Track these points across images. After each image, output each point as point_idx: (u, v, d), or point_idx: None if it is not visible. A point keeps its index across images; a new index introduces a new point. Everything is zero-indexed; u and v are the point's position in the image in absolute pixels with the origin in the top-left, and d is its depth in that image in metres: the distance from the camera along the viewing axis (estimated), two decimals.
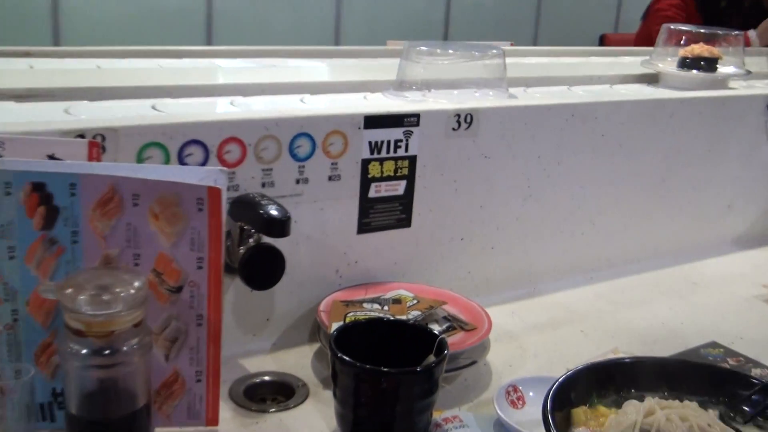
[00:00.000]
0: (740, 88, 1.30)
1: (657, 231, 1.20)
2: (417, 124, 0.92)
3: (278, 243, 0.79)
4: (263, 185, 0.83)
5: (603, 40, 3.97)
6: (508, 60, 1.45)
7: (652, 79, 1.33)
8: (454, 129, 0.95)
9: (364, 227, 0.92)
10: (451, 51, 1.03)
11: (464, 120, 0.95)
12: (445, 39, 3.55)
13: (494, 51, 1.03)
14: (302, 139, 0.85)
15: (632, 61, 1.42)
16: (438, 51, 1.02)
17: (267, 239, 0.79)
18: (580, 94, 1.15)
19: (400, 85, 1.02)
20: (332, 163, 0.87)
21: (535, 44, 3.87)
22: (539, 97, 1.08)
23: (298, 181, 0.86)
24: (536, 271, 1.08)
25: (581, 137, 1.06)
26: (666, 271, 1.18)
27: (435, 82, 1.01)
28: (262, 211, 0.76)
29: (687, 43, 1.36)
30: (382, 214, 0.92)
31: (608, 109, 1.07)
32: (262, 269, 0.79)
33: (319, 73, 1.14)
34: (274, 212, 0.76)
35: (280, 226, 0.76)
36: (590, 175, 1.09)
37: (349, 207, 0.90)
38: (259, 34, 2.90)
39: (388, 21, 3.29)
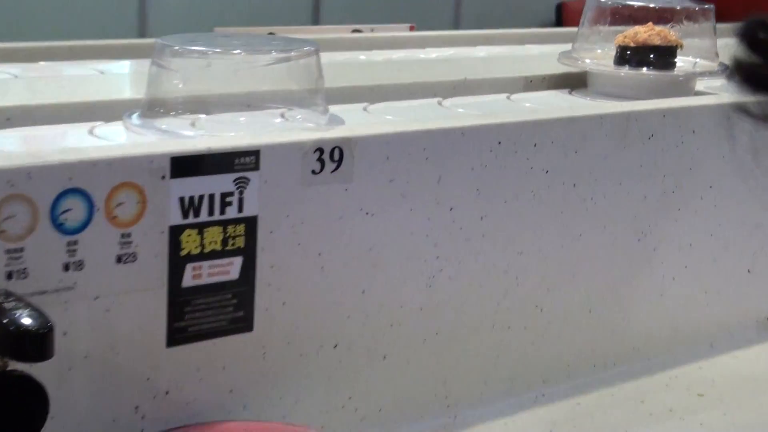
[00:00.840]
0: (719, 93, 1.39)
1: (638, 317, 1.27)
2: (255, 167, 0.95)
3: (36, 370, 0.80)
4: (9, 276, 0.84)
5: (561, 12, 4.16)
6: (383, 54, 1.50)
7: (575, 81, 1.41)
8: (314, 172, 0.99)
9: (177, 336, 0.93)
10: (237, 51, 1.05)
11: (330, 157, 0.99)
12: (316, 22, 3.65)
13: (306, 48, 1.07)
14: (71, 199, 0.86)
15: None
16: (211, 51, 1.04)
17: (17, 365, 0.80)
18: (458, 112, 1.22)
19: (151, 108, 1.04)
20: (122, 235, 0.89)
21: (456, 26, 4.02)
22: (383, 123, 1.12)
23: (67, 267, 0.87)
24: (455, 390, 1.12)
25: (514, 176, 1.12)
26: (655, 378, 1.24)
27: (209, 101, 1.05)
28: (6, 320, 0.77)
29: (626, 24, 1.42)
30: (207, 312, 0.95)
31: (554, 132, 1.14)
32: (11, 413, 0.79)
33: (36, 90, 1.16)
34: (26, 321, 0.77)
35: (38, 343, 0.77)
36: (532, 234, 1.15)
37: (151, 304, 0.92)
38: (24, 26, 2.92)
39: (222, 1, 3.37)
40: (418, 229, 1.06)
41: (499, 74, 1.38)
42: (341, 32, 2.14)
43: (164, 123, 1.02)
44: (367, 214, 1.02)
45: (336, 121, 1.07)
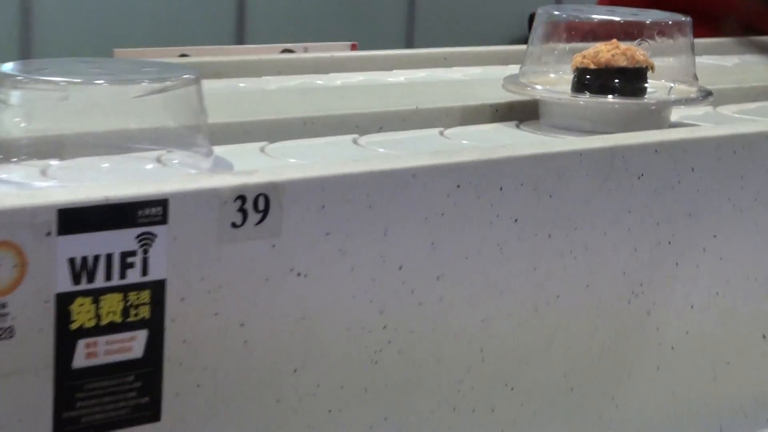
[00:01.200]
0: (703, 125, 1.42)
1: (630, 396, 1.28)
2: (163, 220, 0.95)
3: None
4: None
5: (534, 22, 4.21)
6: (312, 79, 1.49)
7: (524, 111, 1.43)
8: (235, 225, 0.99)
9: (67, 428, 0.93)
10: (99, 80, 1.03)
11: (254, 206, 1.00)
12: (240, 42, 3.67)
13: (185, 75, 1.07)
14: None
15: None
16: (65, 81, 1.02)
17: None
18: (378, 152, 1.23)
19: None
20: None
21: (409, 43, 4.06)
22: (316, 164, 1.11)
23: None
24: None
25: (477, 227, 1.13)
26: None
27: (63, 144, 1.04)
28: None
29: (585, 42, 1.42)
30: (104, 398, 0.94)
31: (524, 172, 1.15)
32: None
33: None
34: None
35: None
36: (499, 296, 1.16)
37: (34, 390, 0.91)
38: None
39: (126, 19, 3.38)
40: (361, 293, 1.07)
41: (432, 104, 1.40)
42: (269, 52, 2.15)
43: (4, 172, 1.01)
44: (299, 275, 1.03)
45: (222, 165, 1.08)
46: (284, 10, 3.86)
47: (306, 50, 2.27)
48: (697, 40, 2.00)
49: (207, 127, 1.08)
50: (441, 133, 1.35)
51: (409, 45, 4.08)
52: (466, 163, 1.13)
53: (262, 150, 1.23)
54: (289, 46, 2.31)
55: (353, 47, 2.35)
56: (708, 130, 1.37)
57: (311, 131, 1.29)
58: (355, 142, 1.28)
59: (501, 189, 1.13)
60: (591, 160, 1.20)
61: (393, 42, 4.00)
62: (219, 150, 1.10)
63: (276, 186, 1.01)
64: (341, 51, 2.21)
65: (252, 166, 1.09)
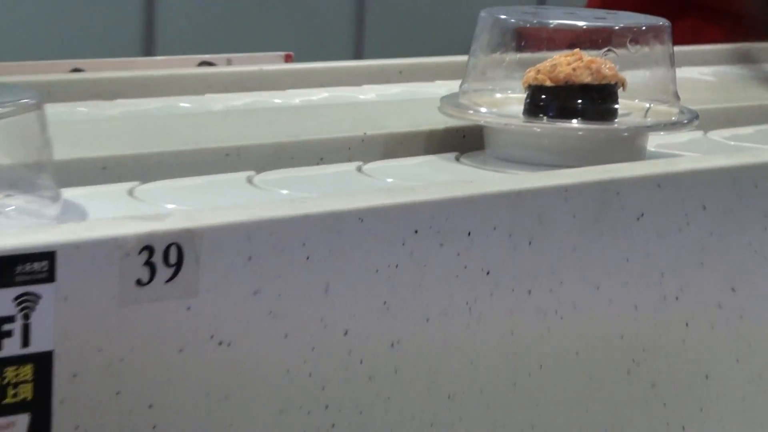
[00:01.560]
0: (691, 155, 1.43)
1: None
2: (49, 278, 0.94)
3: None
4: None
5: None
6: (234, 99, 1.49)
7: (465, 140, 1.43)
8: (140, 282, 0.98)
9: None
10: None
11: (164, 259, 0.99)
12: (149, 53, 3.69)
13: (23, 100, 1.05)
14: None
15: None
16: None
17: None
18: (281, 194, 1.23)
19: None
20: None
21: (358, 54, 4.08)
22: (241, 207, 1.11)
23: None
24: None
25: (440, 281, 1.13)
26: None
27: None
28: None
29: (540, 52, 1.41)
30: None
31: (497, 214, 1.15)
32: None
33: None
34: None
35: None
36: (469, 366, 1.15)
37: None
38: None
39: (8, 25, 3.40)
40: (298, 365, 1.06)
41: (350, 132, 1.41)
42: (183, 66, 2.15)
43: None
44: (220, 343, 1.02)
45: (74, 211, 1.07)
46: (204, 14, 3.87)
47: (230, 62, 2.27)
48: (714, 46, 2.02)
49: (52, 164, 1.06)
50: (359, 169, 1.34)
51: (358, 56, 4.10)
52: (426, 203, 1.12)
53: (131, 193, 1.21)
54: (208, 57, 2.30)
55: (288, 58, 2.35)
56: (722, 160, 1.37)
57: (233, 165, 1.28)
58: (250, 181, 1.27)
59: (469, 234, 1.13)
60: (579, 198, 1.20)
61: (338, 52, 4.02)
62: (73, 193, 1.09)
63: (191, 233, 1.00)
64: (273, 63, 2.21)
65: (114, 212, 1.08)
